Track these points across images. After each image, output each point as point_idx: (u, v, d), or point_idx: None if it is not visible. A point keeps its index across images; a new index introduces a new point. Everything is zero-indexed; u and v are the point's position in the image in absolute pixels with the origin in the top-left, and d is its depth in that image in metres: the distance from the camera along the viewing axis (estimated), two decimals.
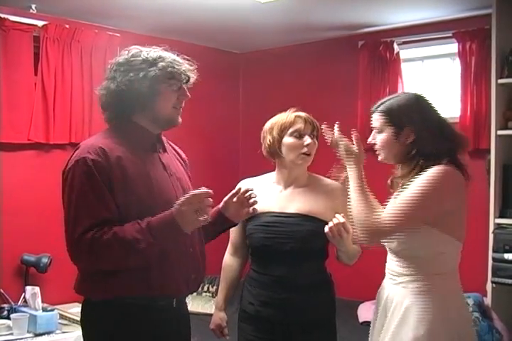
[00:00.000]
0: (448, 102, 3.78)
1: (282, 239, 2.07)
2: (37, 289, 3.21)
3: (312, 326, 2.09)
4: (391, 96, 1.89)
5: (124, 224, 1.63)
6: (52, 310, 3.16)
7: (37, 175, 3.54)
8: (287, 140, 2.13)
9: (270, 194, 2.18)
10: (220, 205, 1.94)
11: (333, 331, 2.16)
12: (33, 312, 3.11)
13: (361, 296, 3.59)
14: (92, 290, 1.73)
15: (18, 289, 3.36)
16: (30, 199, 3.49)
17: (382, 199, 1.85)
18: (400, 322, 1.77)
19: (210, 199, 1.65)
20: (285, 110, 2.20)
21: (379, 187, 1.89)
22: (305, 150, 2.11)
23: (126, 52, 1.80)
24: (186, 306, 1.95)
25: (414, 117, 1.80)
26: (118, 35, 3.81)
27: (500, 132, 3.14)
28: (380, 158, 1.90)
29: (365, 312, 3.48)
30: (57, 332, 3.14)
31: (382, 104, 1.86)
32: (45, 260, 3.35)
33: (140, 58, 1.75)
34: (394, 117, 1.81)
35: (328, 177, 2.09)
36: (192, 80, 1.83)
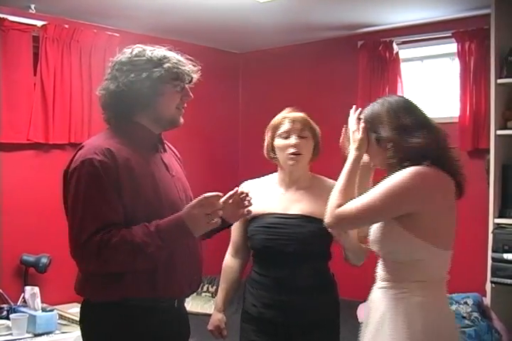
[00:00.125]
0: (447, 102, 3.79)
1: (284, 241, 2.06)
2: (36, 289, 3.20)
3: (313, 327, 2.08)
4: (373, 103, 1.87)
5: (132, 227, 1.60)
6: (51, 311, 3.16)
7: (36, 175, 3.54)
8: (276, 142, 2.14)
9: (272, 195, 2.18)
10: None
11: (335, 331, 2.16)
12: (33, 313, 3.11)
13: (361, 296, 3.58)
14: (95, 292, 1.70)
15: (18, 289, 3.35)
16: (30, 199, 3.49)
17: None
18: (376, 328, 1.74)
19: (221, 203, 1.64)
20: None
21: None
22: (292, 150, 2.10)
23: (129, 50, 1.76)
24: (185, 306, 1.94)
25: (394, 123, 1.76)
26: (117, 35, 3.80)
27: (499, 132, 3.14)
28: (371, 164, 1.92)
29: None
30: (57, 332, 3.13)
31: (362, 111, 1.87)
32: (44, 260, 3.34)
33: (144, 58, 1.72)
34: (373, 124, 1.81)
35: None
36: (194, 80, 1.82)
